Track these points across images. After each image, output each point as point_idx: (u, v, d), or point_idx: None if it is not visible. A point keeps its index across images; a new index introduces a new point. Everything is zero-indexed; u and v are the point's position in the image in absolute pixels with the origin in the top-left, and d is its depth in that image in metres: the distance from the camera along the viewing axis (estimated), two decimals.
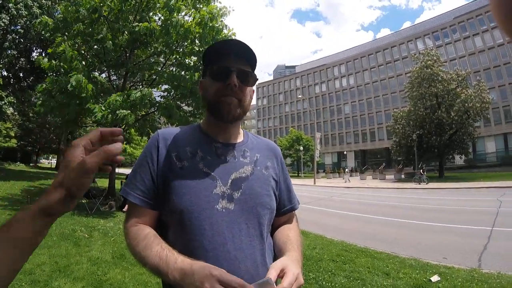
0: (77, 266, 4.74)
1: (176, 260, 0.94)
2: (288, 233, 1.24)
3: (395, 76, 65.22)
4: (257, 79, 1.21)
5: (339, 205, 15.14)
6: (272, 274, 0.94)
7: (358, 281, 4.61)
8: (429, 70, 35.69)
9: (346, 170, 43.50)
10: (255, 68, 1.21)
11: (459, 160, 46.45)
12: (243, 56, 1.16)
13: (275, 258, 1.13)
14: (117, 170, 24.89)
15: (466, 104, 33.22)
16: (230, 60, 1.13)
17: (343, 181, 38.14)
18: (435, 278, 4.68)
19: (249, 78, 1.16)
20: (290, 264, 0.99)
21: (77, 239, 6.48)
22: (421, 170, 30.12)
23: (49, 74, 9.49)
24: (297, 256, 1.09)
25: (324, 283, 4.50)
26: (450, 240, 7.57)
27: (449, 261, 5.73)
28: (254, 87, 1.27)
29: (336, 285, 4.43)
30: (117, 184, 13.52)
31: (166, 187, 1.09)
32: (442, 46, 57.58)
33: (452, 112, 34.05)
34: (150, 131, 12.90)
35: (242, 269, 1.00)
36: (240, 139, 1.25)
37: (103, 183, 14.58)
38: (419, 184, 27.79)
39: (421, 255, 6.14)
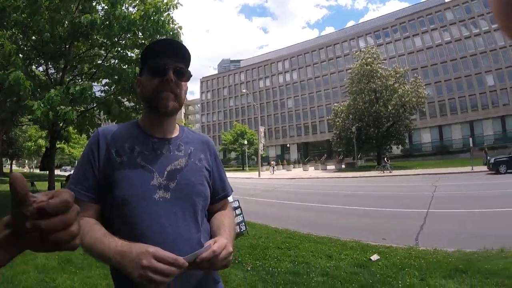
0: (24, 276, 4.53)
1: (116, 244, 1.03)
2: (222, 219, 1.35)
3: (336, 72, 67.67)
4: (191, 75, 1.32)
5: (283, 196, 15.61)
6: (203, 254, 1.05)
7: (303, 264, 4.89)
8: (369, 67, 37.83)
9: (272, 162, 45.91)
10: (189, 65, 1.30)
11: (396, 150, 49.67)
12: (179, 54, 1.25)
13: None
14: (56, 172, 23.63)
15: (403, 99, 35.65)
16: (166, 58, 1.23)
17: (269, 173, 39.74)
18: (375, 257, 5.04)
19: (184, 74, 1.26)
20: (220, 237, 1.16)
21: None
22: (385, 159, 30.80)
23: None
24: (228, 236, 1.21)
25: (271, 269, 4.72)
26: (389, 223, 8.18)
27: (389, 242, 6.14)
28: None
29: (283, 270, 4.67)
30: (57, 186, 12.85)
31: (107, 182, 1.17)
32: (383, 45, 60.68)
33: (390, 106, 36.38)
34: (90, 128, 12.32)
35: (181, 253, 1.05)
36: (175, 133, 1.34)
37: (42, 186, 13.80)
38: (383, 172, 28.53)
39: (362, 238, 6.52)
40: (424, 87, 38.57)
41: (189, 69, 1.30)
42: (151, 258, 0.95)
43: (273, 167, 43.64)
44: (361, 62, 39.00)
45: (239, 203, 7.40)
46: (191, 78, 1.34)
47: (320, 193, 16.41)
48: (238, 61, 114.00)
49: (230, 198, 1.52)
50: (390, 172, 28.29)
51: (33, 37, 9.99)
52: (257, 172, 36.43)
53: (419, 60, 57.50)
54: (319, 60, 71.19)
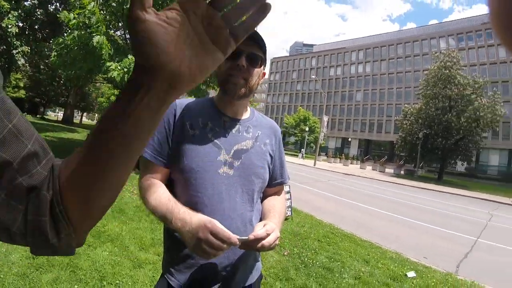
0: None
1: (179, 211, 1.13)
2: (275, 203, 1.45)
3: (412, 71, 64.09)
4: (266, 63, 1.35)
5: (334, 190, 15.41)
6: (256, 229, 1.16)
7: (338, 263, 4.90)
8: (447, 71, 35.31)
9: (302, 150, 47.09)
10: (264, 52, 1.32)
11: (460, 166, 46.68)
12: (255, 41, 1.27)
13: (260, 220, 1.34)
14: None
15: (477, 113, 33.05)
16: (242, 44, 1.27)
17: (298, 158, 40.69)
18: (411, 274, 4.92)
19: (257, 61, 1.28)
20: (270, 222, 1.23)
21: None
22: None
23: (67, 30, 9.46)
24: (277, 221, 1.30)
25: (306, 259, 4.80)
26: (434, 242, 7.83)
27: (429, 262, 5.93)
28: (267, 69, 1.38)
29: (317, 263, 4.73)
30: None
31: (178, 150, 1.27)
32: (464, 50, 56.11)
33: (462, 118, 33.93)
34: None
35: (233, 225, 1.20)
36: (246, 115, 1.42)
37: None
38: None
39: (403, 251, 6.35)
40: (502, 104, 35.04)
41: (264, 56, 1.33)
42: (207, 233, 1.05)
43: (303, 154, 45.28)
44: (439, 64, 36.43)
45: (290, 188, 7.50)
46: None
47: (372, 195, 15.99)
48: (312, 45, 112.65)
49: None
50: None
51: (113, 3, 10.51)
52: (313, 161, 36.06)
53: (500, 72, 52.08)
54: (396, 56, 67.64)
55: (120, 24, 11.75)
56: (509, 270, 6.48)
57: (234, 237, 1.07)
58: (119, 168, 0.49)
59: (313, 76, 63.29)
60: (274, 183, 1.51)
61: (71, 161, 0.51)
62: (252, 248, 1.15)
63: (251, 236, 1.11)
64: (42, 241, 0.50)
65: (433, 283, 4.69)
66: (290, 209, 7.27)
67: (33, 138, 0.49)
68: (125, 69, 8.80)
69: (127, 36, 12.67)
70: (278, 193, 1.56)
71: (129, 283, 3.27)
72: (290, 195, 7.37)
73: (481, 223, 11.71)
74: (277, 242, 1.19)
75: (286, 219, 7.02)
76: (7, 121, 0.45)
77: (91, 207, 0.52)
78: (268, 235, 1.14)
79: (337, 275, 4.40)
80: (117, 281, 3.28)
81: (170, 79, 0.45)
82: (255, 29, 1.23)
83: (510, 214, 16.07)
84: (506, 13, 0.32)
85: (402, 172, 38.79)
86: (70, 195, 0.50)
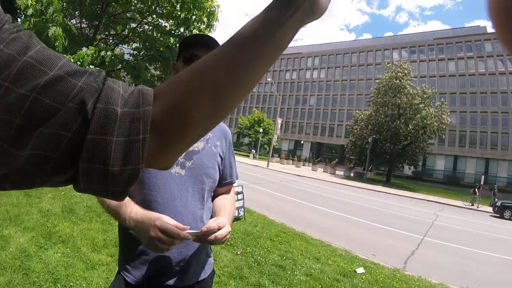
0: (27, 216, 4.74)
1: (132, 210, 1.20)
2: (225, 202, 1.52)
3: (365, 79, 66.66)
4: None
5: (286, 190, 15.67)
6: (207, 225, 1.22)
7: (290, 260, 5.04)
8: (398, 81, 37.60)
9: (253, 150, 48.56)
10: None
11: (407, 170, 49.39)
12: (209, 46, 1.33)
13: (211, 218, 1.40)
14: None
15: (425, 121, 35.41)
16: (198, 50, 1.33)
17: (250, 158, 42.09)
18: (360, 270, 5.14)
19: None
20: (221, 218, 1.31)
21: (28, 190, 6.27)
22: (475, 190, 25.40)
23: (21, 15, 8.86)
24: (227, 217, 1.38)
25: (259, 258, 4.90)
26: (383, 241, 8.25)
27: (377, 259, 6.24)
28: None
29: (270, 261, 4.83)
30: None
31: None
32: (416, 62, 59.25)
33: (410, 125, 36.17)
34: None
35: (185, 222, 1.24)
36: None
37: None
38: (470, 204, 24.64)
39: (353, 249, 6.62)
40: (449, 114, 38.07)
41: None
42: (157, 231, 1.12)
43: (253, 154, 46.24)
44: (391, 74, 38.74)
45: (242, 188, 7.56)
46: None
47: (323, 195, 16.48)
48: None
49: (234, 184, 1.68)
50: (477, 206, 24.01)
51: None
52: (266, 162, 36.42)
53: (449, 85, 55.93)
54: (350, 64, 70.14)
55: (76, 13, 11.27)
56: (453, 265, 6.99)
57: (184, 233, 1.14)
58: (255, 75, 0.49)
59: (269, 79, 63.96)
60: (224, 183, 1.57)
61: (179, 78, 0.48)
62: (205, 241, 1.21)
63: (204, 228, 1.19)
64: (98, 168, 0.41)
65: (381, 278, 4.94)
66: (242, 209, 7.33)
67: (58, 65, 0.40)
68: (79, 62, 8.44)
69: (83, 25, 12.16)
70: (227, 192, 1.63)
71: (84, 285, 3.20)
72: (243, 195, 7.45)
73: (427, 222, 12.51)
74: (228, 236, 1.27)
75: (239, 219, 7.09)
76: (21, 56, 0.38)
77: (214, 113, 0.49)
78: (220, 228, 1.21)
79: (289, 272, 4.52)
80: (71, 283, 3.20)
81: (312, 2, 0.49)
82: (211, 34, 1.31)
83: (454, 214, 17.40)
84: (506, 14, 0.32)
85: (351, 174, 40.49)
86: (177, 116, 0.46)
